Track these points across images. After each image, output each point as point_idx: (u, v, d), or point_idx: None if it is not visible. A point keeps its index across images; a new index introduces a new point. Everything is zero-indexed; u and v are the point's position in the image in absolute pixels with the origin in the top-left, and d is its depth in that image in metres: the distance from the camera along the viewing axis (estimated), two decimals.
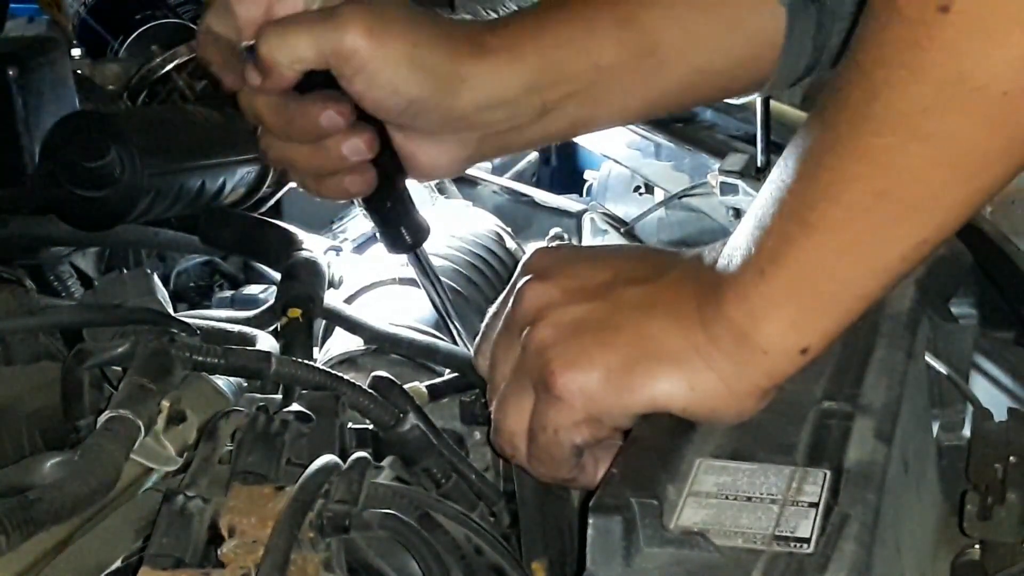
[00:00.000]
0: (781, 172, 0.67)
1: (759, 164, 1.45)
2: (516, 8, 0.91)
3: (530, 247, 1.54)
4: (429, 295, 1.02)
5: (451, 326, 1.03)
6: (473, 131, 0.87)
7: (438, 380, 1.00)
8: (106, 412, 0.73)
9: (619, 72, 0.87)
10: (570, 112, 0.88)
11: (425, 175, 0.92)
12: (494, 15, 0.91)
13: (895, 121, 0.61)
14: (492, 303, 0.81)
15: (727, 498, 0.62)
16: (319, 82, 0.83)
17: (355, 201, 0.96)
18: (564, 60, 0.86)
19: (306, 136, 0.85)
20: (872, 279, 0.66)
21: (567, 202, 1.84)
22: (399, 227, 0.94)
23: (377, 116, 0.85)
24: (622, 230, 1.72)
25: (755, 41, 0.89)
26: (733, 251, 0.68)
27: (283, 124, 0.86)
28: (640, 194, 1.83)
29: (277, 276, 1.16)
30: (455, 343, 1.04)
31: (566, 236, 1.61)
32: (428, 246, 0.98)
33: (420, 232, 0.95)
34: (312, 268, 1.10)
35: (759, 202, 0.67)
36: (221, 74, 0.87)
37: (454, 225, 1.47)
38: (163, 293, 1.08)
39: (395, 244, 0.95)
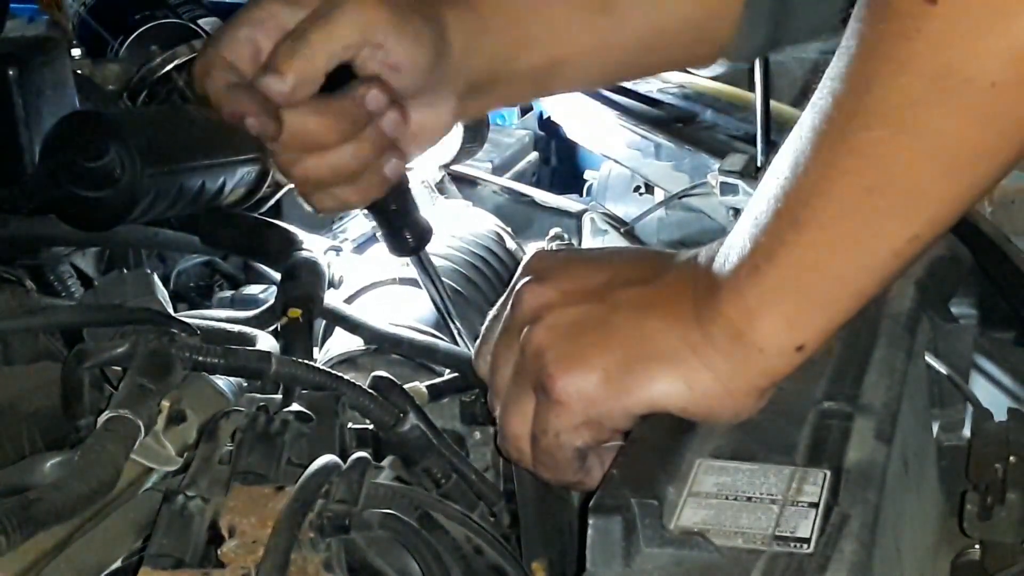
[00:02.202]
0: (775, 169, 0.67)
1: (759, 164, 1.45)
2: None
3: (530, 247, 1.55)
4: (431, 296, 1.02)
5: (453, 328, 1.03)
6: (459, 84, 0.88)
7: (438, 380, 1.00)
8: (106, 412, 0.73)
9: (575, 32, 0.89)
10: (529, 74, 0.90)
11: (421, 144, 0.91)
12: None
13: (885, 114, 0.61)
14: (492, 303, 0.81)
15: (727, 498, 0.62)
16: (339, 81, 0.83)
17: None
18: (523, 20, 0.88)
19: (356, 127, 0.84)
20: (866, 275, 0.66)
21: (567, 202, 1.84)
22: (402, 229, 0.93)
23: (398, 87, 0.84)
24: (622, 230, 1.72)
25: (712, 3, 0.90)
26: (729, 250, 0.68)
27: (334, 126, 0.83)
28: (640, 194, 1.83)
29: (277, 276, 1.16)
30: (456, 345, 1.04)
31: (566, 236, 1.61)
32: (428, 246, 0.98)
33: (423, 235, 0.95)
34: (312, 268, 1.10)
35: (755, 200, 0.67)
36: (223, 103, 0.83)
37: (454, 225, 1.47)
38: (163, 293, 1.08)
39: (398, 247, 0.95)
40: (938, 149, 0.61)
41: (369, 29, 0.82)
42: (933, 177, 0.62)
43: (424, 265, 0.99)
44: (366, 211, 0.94)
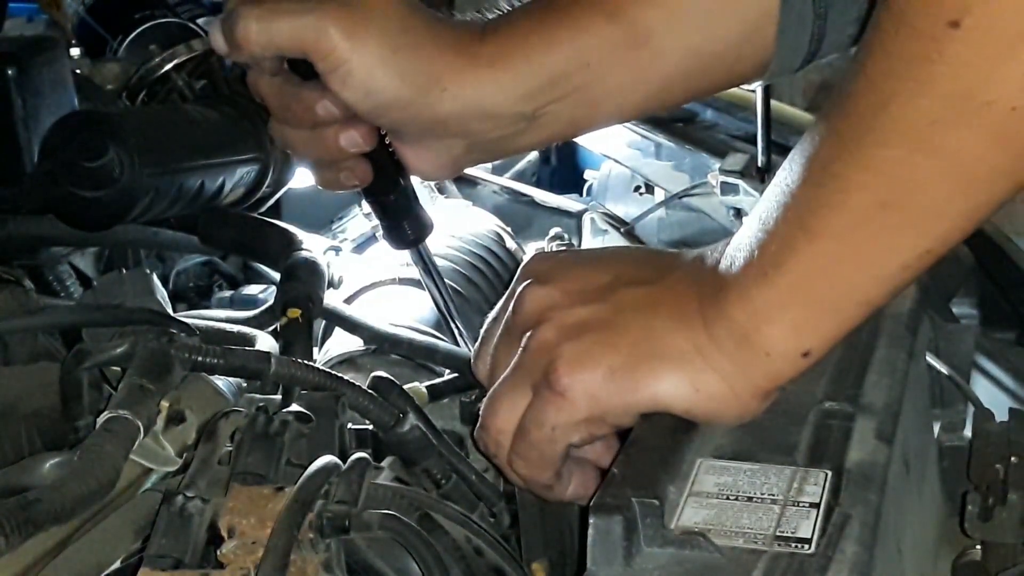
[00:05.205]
0: (786, 176, 0.66)
1: (760, 164, 1.45)
2: (510, 7, 0.88)
3: (530, 247, 1.55)
4: (431, 292, 1.01)
5: (452, 324, 1.03)
6: (458, 138, 0.86)
7: (438, 380, 1.00)
8: (105, 412, 0.73)
9: (612, 69, 0.85)
10: (564, 115, 0.86)
11: (415, 175, 0.92)
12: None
13: (902, 133, 0.61)
14: (492, 303, 0.80)
15: (728, 498, 0.62)
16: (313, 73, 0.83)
17: (359, 195, 0.95)
18: (554, 64, 0.84)
19: (303, 123, 0.85)
20: (874, 286, 0.66)
21: (567, 202, 1.84)
22: (401, 221, 0.93)
23: (372, 115, 0.84)
24: (622, 230, 1.72)
25: (751, 17, 0.85)
26: (736, 252, 0.68)
27: (283, 108, 0.86)
28: (640, 194, 1.83)
29: (277, 276, 1.16)
30: (456, 341, 1.04)
31: (566, 236, 1.61)
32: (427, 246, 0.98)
33: (423, 228, 0.94)
34: (312, 268, 1.10)
35: (763, 204, 0.67)
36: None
37: (454, 225, 1.46)
38: (162, 293, 1.08)
39: (397, 239, 0.95)
40: (954, 169, 0.61)
41: (321, 40, 0.80)
42: (948, 195, 0.62)
43: (424, 261, 0.98)
44: (365, 200, 0.94)
